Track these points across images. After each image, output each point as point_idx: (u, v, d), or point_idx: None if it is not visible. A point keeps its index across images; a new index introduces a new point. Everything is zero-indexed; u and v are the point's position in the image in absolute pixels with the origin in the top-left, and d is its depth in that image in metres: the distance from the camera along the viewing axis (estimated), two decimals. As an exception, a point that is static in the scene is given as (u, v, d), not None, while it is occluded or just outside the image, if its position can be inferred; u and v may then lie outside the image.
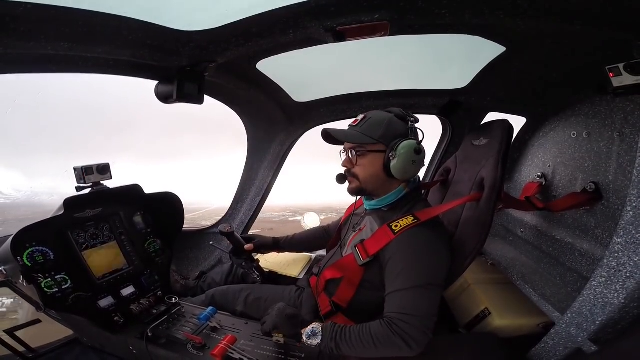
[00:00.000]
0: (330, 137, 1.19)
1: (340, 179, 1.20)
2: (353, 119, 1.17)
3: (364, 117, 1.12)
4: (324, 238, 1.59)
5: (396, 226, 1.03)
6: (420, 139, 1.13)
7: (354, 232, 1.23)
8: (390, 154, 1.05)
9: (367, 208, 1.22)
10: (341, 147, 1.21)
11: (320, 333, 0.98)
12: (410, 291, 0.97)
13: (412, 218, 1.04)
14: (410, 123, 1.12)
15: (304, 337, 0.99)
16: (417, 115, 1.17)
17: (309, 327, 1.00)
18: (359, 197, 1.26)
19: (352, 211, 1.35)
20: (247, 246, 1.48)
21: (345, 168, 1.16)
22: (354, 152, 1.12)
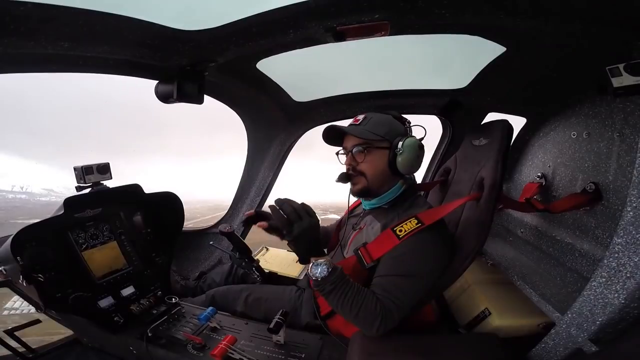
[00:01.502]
0: (330, 137, 1.19)
1: (345, 178, 1.16)
2: (353, 119, 1.17)
3: (366, 117, 1.14)
4: (325, 238, 1.58)
5: (400, 231, 1.03)
6: (421, 136, 1.16)
7: (354, 231, 1.23)
8: (397, 150, 1.08)
9: (366, 207, 1.22)
10: (337, 149, 1.21)
11: (327, 271, 0.95)
12: (402, 278, 1.01)
13: (416, 222, 1.03)
14: (407, 124, 1.17)
15: (311, 265, 0.96)
16: (416, 116, 1.18)
17: (321, 259, 0.97)
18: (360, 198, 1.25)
19: (350, 213, 1.35)
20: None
21: (350, 166, 1.15)
22: (360, 148, 1.12)
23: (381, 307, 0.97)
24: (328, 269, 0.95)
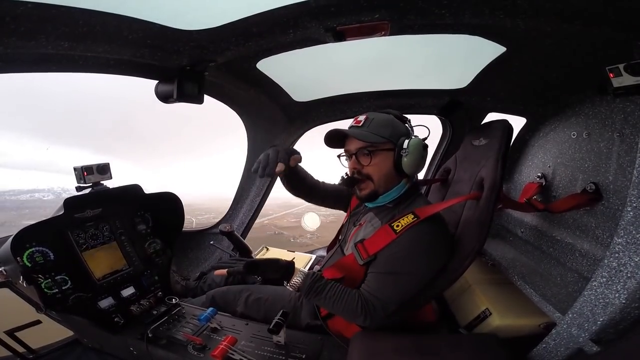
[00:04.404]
0: (332, 140, 1.17)
1: (350, 182, 1.14)
2: (353, 120, 1.14)
3: (367, 118, 1.11)
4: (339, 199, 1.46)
5: (397, 225, 1.04)
6: (425, 136, 1.15)
7: (354, 227, 1.22)
8: (402, 151, 1.07)
9: (369, 205, 1.21)
10: (339, 151, 1.19)
11: (298, 283, 1.06)
12: (391, 276, 1.03)
13: (412, 216, 1.04)
14: (407, 123, 1.16)
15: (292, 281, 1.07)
16: (417, 116, 1.17)
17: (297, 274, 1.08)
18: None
19: (353, 210, 1.35)
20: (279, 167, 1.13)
21: (354, 170, 1.13)
22: (365, 151, 1.10)
23: (363, 305, 1.02)
24: (296, 284, 1.06)
